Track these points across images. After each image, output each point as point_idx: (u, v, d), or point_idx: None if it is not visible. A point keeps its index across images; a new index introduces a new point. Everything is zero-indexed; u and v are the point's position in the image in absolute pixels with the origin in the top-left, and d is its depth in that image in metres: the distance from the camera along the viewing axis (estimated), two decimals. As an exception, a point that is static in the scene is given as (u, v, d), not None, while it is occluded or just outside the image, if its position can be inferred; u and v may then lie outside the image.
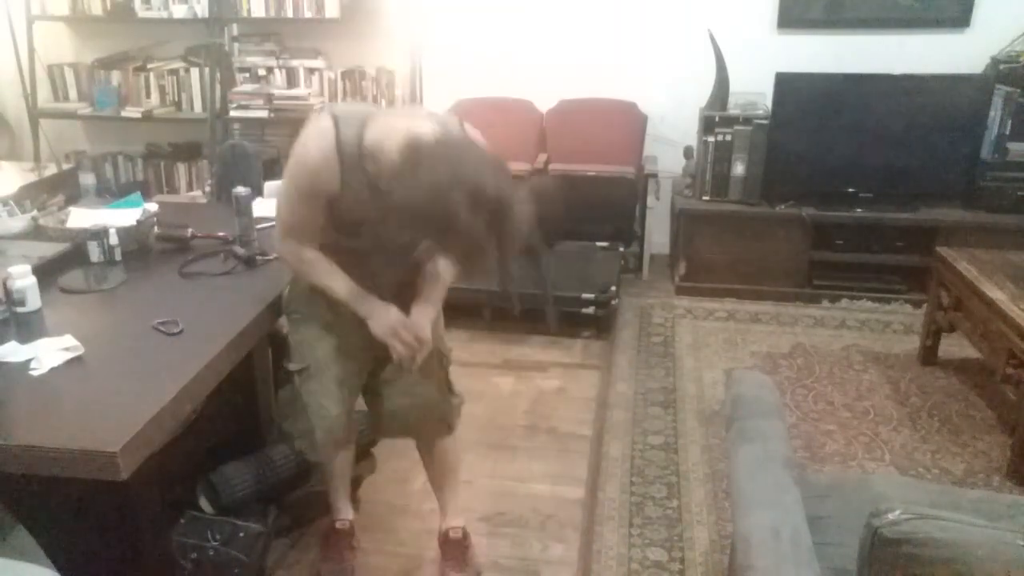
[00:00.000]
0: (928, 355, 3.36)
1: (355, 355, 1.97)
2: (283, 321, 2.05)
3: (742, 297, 4.05)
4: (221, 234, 2.38)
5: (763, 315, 3.90)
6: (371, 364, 2.02)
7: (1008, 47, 3.94)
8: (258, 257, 2.22)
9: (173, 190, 4.81)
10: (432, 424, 2.10)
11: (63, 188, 3.65)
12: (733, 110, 4.04)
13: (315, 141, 1.66)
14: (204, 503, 2.28)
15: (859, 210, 3.94)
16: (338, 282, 1.85)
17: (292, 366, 1.98)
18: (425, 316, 1.89)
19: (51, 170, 4.18)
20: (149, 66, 4.63)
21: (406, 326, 1.84)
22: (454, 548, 2.19)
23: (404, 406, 2.04)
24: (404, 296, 1.92)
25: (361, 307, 1.85)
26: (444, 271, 1.93)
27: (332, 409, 1.96)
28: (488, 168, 1.45)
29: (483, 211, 1.41)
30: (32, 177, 3.97)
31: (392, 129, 1.60)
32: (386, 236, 1.67)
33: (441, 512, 2.25)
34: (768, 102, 3.97)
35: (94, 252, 2.18)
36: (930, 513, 1.16)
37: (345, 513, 2.23)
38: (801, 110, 3.91)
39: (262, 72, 4.55)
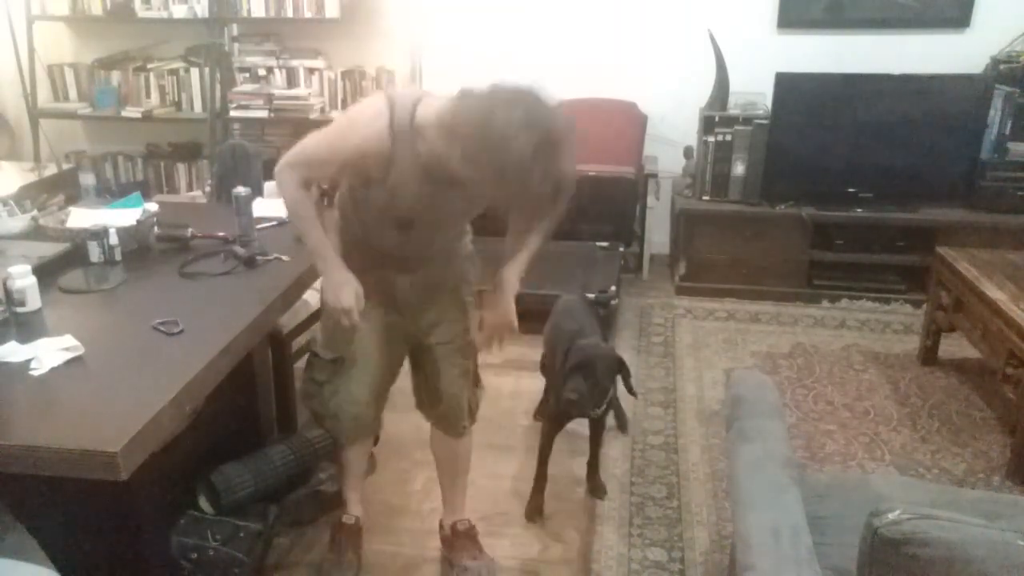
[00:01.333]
0: (928, 355, 3.36)
1: (388, 347, 2.00)
2: (308, 298, 2.07)
3: (742, 297, 4.06)
4: (221, 234, 2.38)
5: (763, 315, 3.90)
6: (403, 355, 2.07)
7: (1008, 47, 3.95)
8: (258, 257, 2.22)
9: (173, 190, 4.81)
10: (459, 412, 2.12)
11: (63, 188, 3.65)
12: (733, 110, 4.04)
13: (369, 119, 1.66)
14: (204, 503, 2.28)
15: (859, 210, 3.94)
16: (314, 232, 1.82)
17: (324, 354, 2.00)
18: (510, 288, 1.91)
19: (51, 170, 4.18)
20: (149, 66, 4.63)
21: (355, 309, 1.81)
22: (465, 538, 2.19)
23: (441, 389, 2.07)
24: (435, 281, 1.96)
25: (322, 265, 1.84)
26: (531, 233, 1.92)
27: (363, 399, 2.01)
28: (543, 106, 1.53)
29: (543, 148, 1.46)
30: (32, 177, 3.98)
31: (443, 104, 1.62)
32: (438, 209, 1.75)
33: (446, 508, 2.25)
34: (768, 102, 3.97)
35: (94, 252, 2.18)
36: (930, 513, 1.16)
37: (354, 508, 2.24)
38: (801, 110, 3.91)
39: (262, 72, 4.55)
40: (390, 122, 1.64)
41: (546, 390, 2.81)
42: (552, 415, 2.45)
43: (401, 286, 1.95)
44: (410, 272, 1.93)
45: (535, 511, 2.43)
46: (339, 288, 1.80)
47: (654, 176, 4.20)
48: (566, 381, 2.26)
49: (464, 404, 2.11)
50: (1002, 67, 3.87)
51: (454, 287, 2.03)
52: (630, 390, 2.40)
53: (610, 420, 2.75)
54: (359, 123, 1.68)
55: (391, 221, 1.81)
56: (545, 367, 2.87)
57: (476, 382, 2.16)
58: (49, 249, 2.21)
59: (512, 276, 1.91)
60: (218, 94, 4.44)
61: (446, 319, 2.02)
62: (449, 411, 2.11)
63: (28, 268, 1.79)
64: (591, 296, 3.53)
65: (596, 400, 2.31)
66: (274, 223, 2.54)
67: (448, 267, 2.00)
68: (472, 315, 2.06)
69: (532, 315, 2.80)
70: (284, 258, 2.24)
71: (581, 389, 2.24)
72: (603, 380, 2.27)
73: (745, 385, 1.93)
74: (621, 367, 2.34)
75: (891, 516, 1.17)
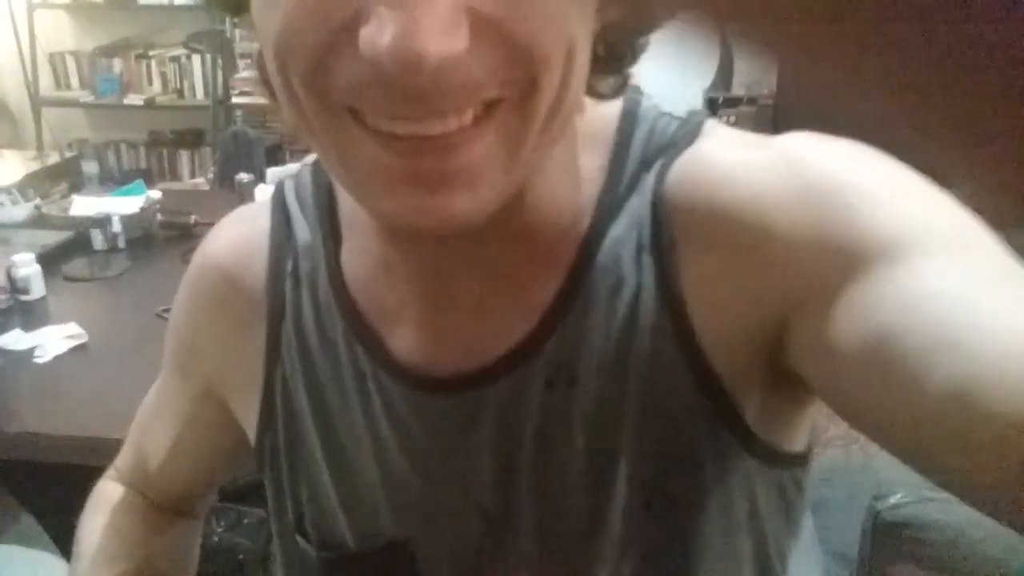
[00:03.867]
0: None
1: None
2: None
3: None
4: (224, 221, 2.38)
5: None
6: None
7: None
8: (261, 244, 2.22)
9: (176, 177, 4.81)
10: None
11: (66, 176, 3.65)
12: (737, 90, 4.02)
13: (221, 230, 0.68)
14: (210, 489, 2.29)
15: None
16: None
17: None
18: None
19: (54, 158, 4.17)
20: (151, 53, 4.62)
21: None
22: None
23: None
24: None
25: None
26: None
27: None
28: None
29: None
30: (35, 165, 3.97)
31: None
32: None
33: None
34: (773, 79, 3.94)
35: (97, 240, 2.19)
36: (932, 496, 1.17)
37: None
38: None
39: (264, 58, 4.54)
40: (271, 218, 0.63)
41: None
42: None
43: None
44: None
45: None
46: None
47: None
48: None
49: None
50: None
51: None
52: None
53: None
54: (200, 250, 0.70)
55: None
56: None
57: None
58: (52, 237, 2.21)
59: None
60: (220, 81, 4.43)
61: None
62: None
63: (32, 256, 1.80)
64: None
65: None
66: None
67: None
68: None
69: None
70: (287, 245, 2.24)
71: None
72: None
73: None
74: None
75: (893, 499, 1.17)
